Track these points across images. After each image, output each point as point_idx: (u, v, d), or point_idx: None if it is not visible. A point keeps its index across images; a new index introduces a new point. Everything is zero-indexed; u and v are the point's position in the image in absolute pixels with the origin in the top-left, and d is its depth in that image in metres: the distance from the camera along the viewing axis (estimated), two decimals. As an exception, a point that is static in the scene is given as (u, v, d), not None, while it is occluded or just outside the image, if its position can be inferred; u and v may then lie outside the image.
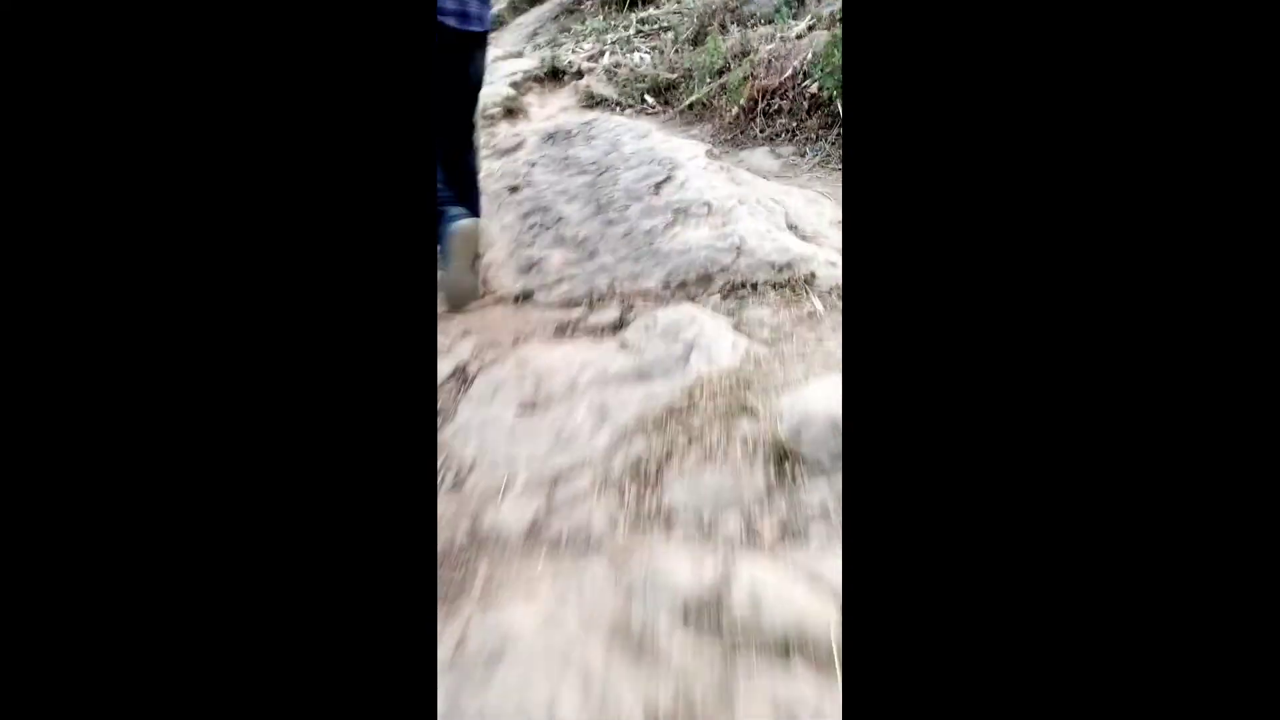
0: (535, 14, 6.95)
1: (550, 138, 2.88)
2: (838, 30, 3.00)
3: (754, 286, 1.40)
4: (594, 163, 2.42)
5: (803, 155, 2.43)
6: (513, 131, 3.19)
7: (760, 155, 2.52)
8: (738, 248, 1.52)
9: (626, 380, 1.21)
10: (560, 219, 2.05)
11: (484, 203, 1.97)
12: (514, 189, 2.48)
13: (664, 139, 2.52)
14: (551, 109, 3.64)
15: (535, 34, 5.92)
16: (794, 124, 2.59)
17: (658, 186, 2.03)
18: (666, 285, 1.50)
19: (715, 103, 3.09)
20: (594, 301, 1.55)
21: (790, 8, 3.76)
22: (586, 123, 2.88)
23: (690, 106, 3.18)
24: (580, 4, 6.20)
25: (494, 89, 3.77)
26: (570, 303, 1.58)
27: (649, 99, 3.48)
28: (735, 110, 2.85)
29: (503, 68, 4.41)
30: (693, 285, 1.47)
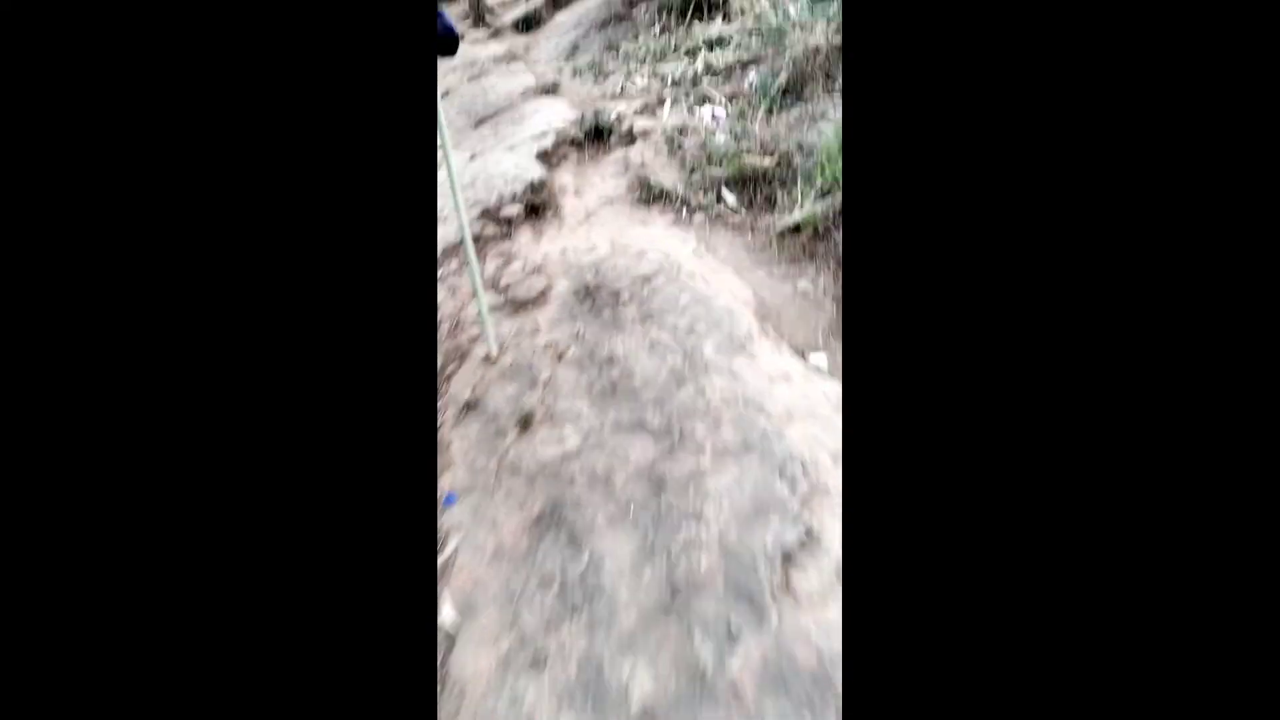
0: (577, 14, 5.85)
1: (588, 297, 1.90)
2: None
3: None
4: (657, 401, 1.45)
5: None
6: (534, 259, 2.22)
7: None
8: None
9: None
10: (597, 587, 1.11)
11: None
12: (525, 421, 1.53)
13: (778, 362, 1.52)
14: (591, 200, 2.65)
15: (575, 49, 4.85)
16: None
17: (788, 560, 1.05)
18: None
19: (835, 232, 2.06)
20: None
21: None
22: (644, 277, 1.89)
23: (796, 229, 2.16)
24: (632, 8, 5.09)
25: (518, 165, 2.80)
26: None
27: (729, 196, 2.46)
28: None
29: (534, 115, 3.41)
30: None
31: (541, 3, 6.13)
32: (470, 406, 1.68)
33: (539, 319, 1.92)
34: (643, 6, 4.93)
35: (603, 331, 1.75)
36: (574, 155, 3.01)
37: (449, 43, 1.40)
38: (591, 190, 2.73)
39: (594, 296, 1.90)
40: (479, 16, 6.17)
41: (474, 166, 2.95)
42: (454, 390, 1.76)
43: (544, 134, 3.05)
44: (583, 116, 3.18)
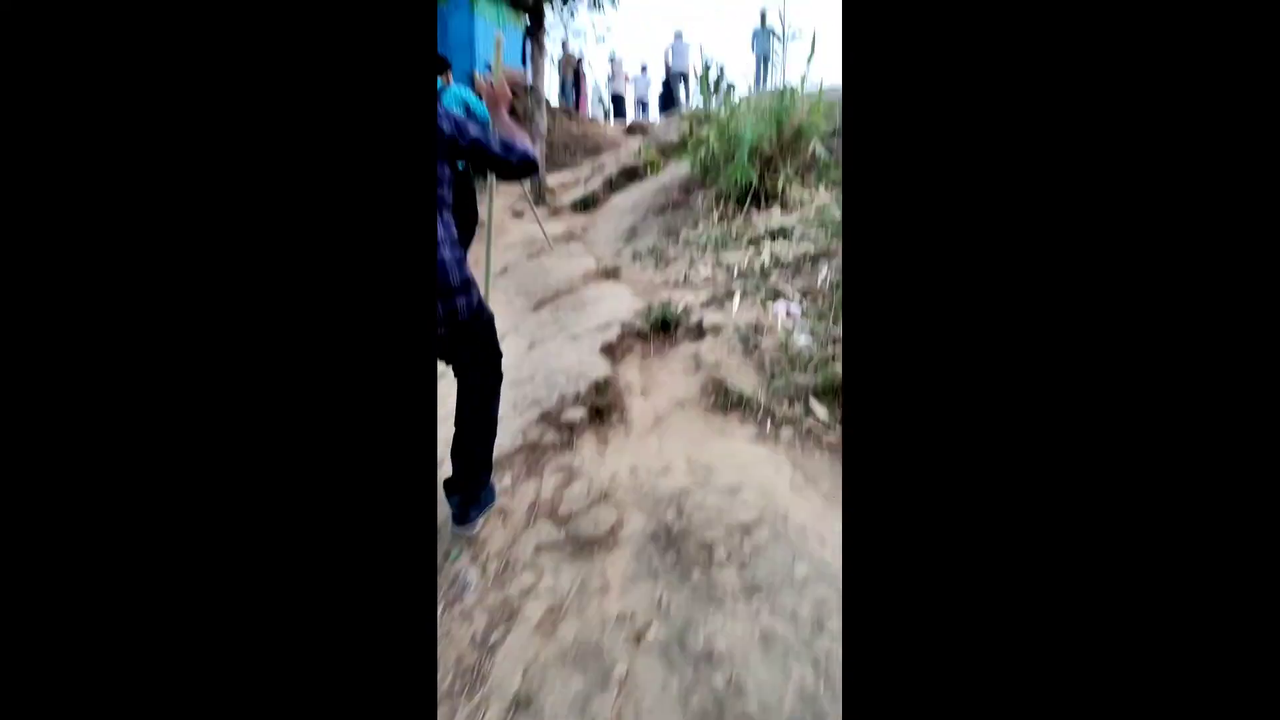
0: (633, 198, 6.14)
1: (670, 545, 1.55)
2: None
3: None
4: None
5: None
6: (600, 480, 1.91)
7: None
8: None
9: None
10: None
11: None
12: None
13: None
14: (661, 402, 2.39)
15: (634, 233, 4.97)
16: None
17: None
18: None
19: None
20: None
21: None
22: (741, 527, 1.54)
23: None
24: (688, 195, 5.29)
25: (581, 359, 2.60)
26: None
27: (819, 409, 2.18)
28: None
29: (597, 302, 3.30)
30: None
31: (599, 186, 6.48)
32: (520, 704, 1.27)
33: (608, 570, 1.56)
34: (699, 194, 5.10)
35: (694, 604, 1.38)
36: (639, 348, 2.83)
37: (526, 167, 1.54)
38: (660, 391, 2.49)
39: (678, 546, 1.55)
40: (539, 197, 6.51)
41: (533, 357, 2.77)
42: (499, 673, 1.37)
43: (608, 325, 2.89)
44: (649, 307, 3.03)
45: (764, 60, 12.58)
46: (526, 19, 8.94)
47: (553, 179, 7.38)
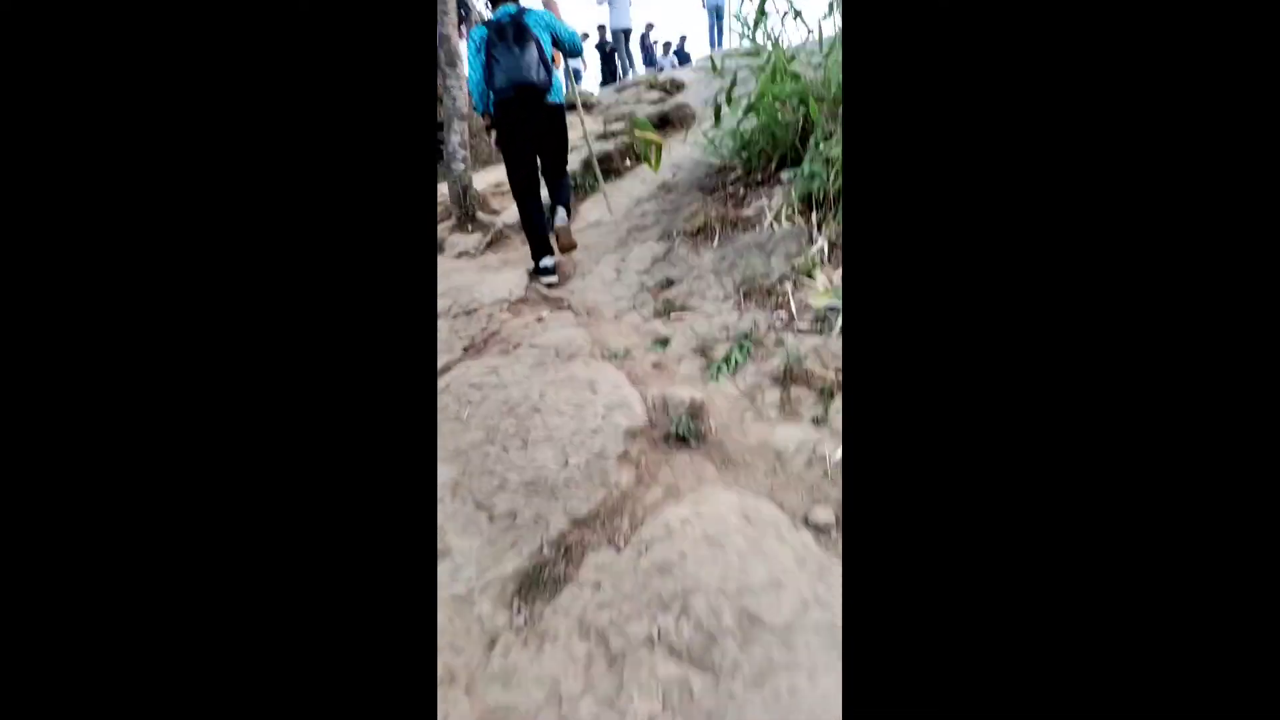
0: (625, 205, 3.85)
1: None
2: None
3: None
4: None
5: None
6: None
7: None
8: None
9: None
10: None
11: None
12: None
13: None
14: None
15: (668, 286, 2.68)
16: None
17: None
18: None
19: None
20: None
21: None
22: None
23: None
24: (735, 203, 3.05)
25: None
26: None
27: None
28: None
29: (765, 682, 1.06)
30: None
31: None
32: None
33: None
34: (763, 201, 2.88)
35: None
36: None
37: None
38: None
39: None
40: (467, 215, 4.09)
41: None
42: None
43: None
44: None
45: (717, 17, 10.39)
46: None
47: (481, 180, 4.96)
